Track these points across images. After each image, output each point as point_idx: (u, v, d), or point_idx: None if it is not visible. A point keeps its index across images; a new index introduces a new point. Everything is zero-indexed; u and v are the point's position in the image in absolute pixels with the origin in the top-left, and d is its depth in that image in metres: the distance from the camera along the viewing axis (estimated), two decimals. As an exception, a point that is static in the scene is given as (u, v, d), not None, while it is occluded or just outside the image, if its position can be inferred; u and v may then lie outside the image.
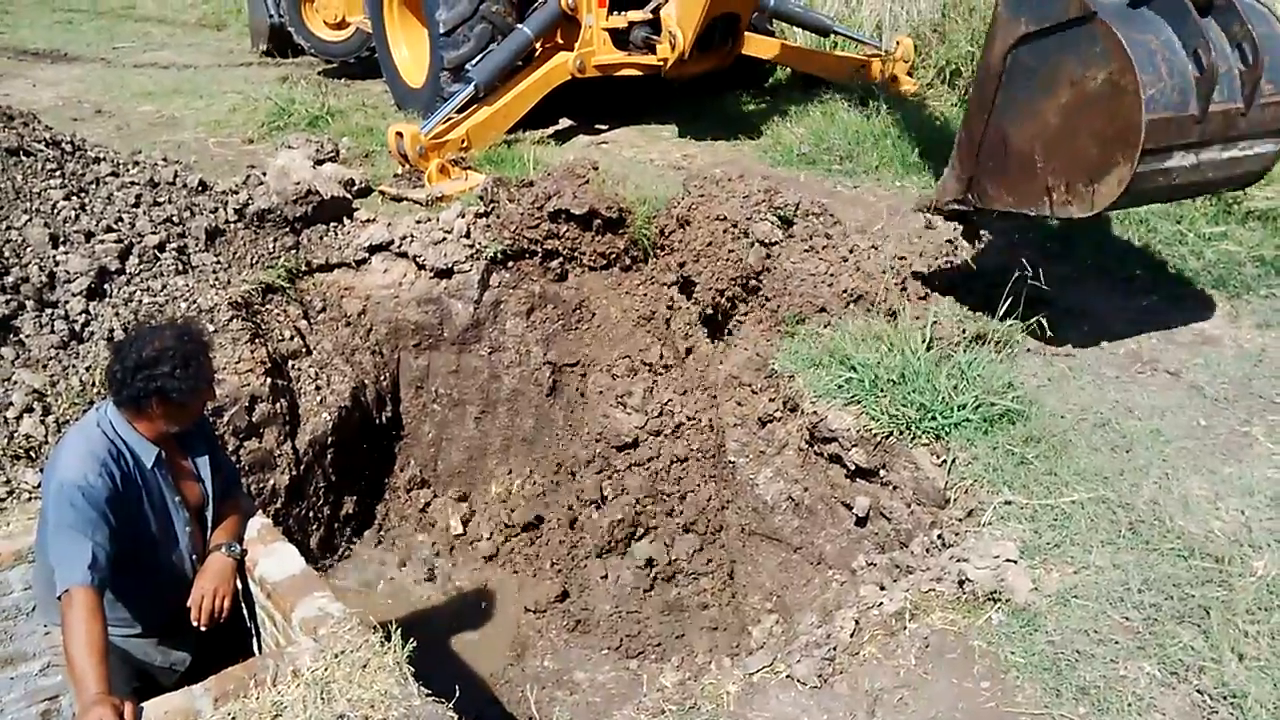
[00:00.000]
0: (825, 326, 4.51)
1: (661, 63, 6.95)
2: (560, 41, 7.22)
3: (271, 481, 4.56)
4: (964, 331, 4.15)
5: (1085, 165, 3.57)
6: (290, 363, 4.83)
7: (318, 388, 4.88)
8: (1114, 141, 3.46)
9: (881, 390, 3.84)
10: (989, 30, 3.96)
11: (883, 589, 3.21)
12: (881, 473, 3.77)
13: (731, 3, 6.57)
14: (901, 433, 3.70)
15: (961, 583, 2.96)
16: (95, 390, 3.89)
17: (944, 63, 7.57)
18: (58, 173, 4.63)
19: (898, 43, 7.71)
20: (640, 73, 7.20)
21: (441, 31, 6.95)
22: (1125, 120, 3.41)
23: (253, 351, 4.49)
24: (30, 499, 3.49)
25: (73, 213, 4.49)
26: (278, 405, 4.55)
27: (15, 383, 3.80)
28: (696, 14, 6.49)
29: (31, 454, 3.67)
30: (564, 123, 7.60)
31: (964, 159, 4.13)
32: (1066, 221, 4.11)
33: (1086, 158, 3.56)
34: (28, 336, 3.96)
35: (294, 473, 4.67)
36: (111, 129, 7.63)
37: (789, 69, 8.33)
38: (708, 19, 6.54)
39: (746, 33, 7.48)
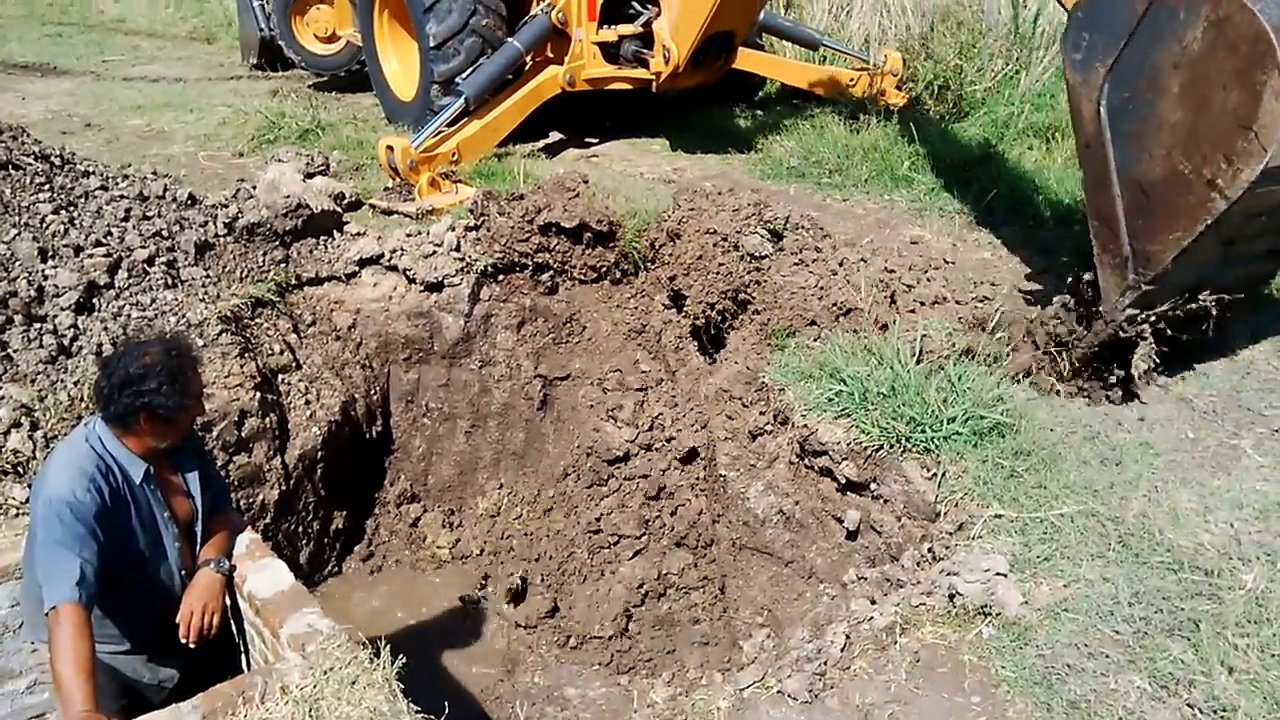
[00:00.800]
0: (815, 339, 4.52)
1: (654, 76, 6.98)
2: (550, 55, 7.24)
3: (261, 497, 4.54)
4: (953, 345, 4.16)
5: (1234, 118, 3.25)
6: (280, 377, 4.82)
7: (307, 402, 4.87)
8: (1249, 68, 3.20)
9: (872, 403, 3.85)
10: (1071, 108, 3.86)
11: (873, 603, 3.21)
12: (872, 486, 3.78)
13: (729, 20, 6.59)
14: (892, 446, 3.70)
15: (952, 597, 2.96)
16: (84, 405, 3.88)
17: (931, 76, 7.61)
18: (46, 186, 4.62)
19: (886, 57, 7.75)
20: (631, 86, 7.23)
21: (432, 45, 6.97)
22: (1249, 42, 3.19)
23: (242, 366, 4.47)
24: (18, 515, 3.47)
25: (62, 227, 4.48)
26: (267, 420, 4.54)
27: (3, 398, 3.78)
28: (694, 30, 6.51)
29: (19, 469, 3.64)
30: (554, 136, 7.62)
31: (1110, 245, 3.74)
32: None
33: (1230, 110, 3.26)
34: (16, 351, 3.94)
35: (283, 488, 4.65)
36: (101, 142, 7.62)
37: (778, 83, 8.36)
38: (705, 35, 6.56)
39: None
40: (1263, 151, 3.20)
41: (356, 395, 5.23)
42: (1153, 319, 3.78)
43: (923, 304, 4.69)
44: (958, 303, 4.68)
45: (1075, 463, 3.50)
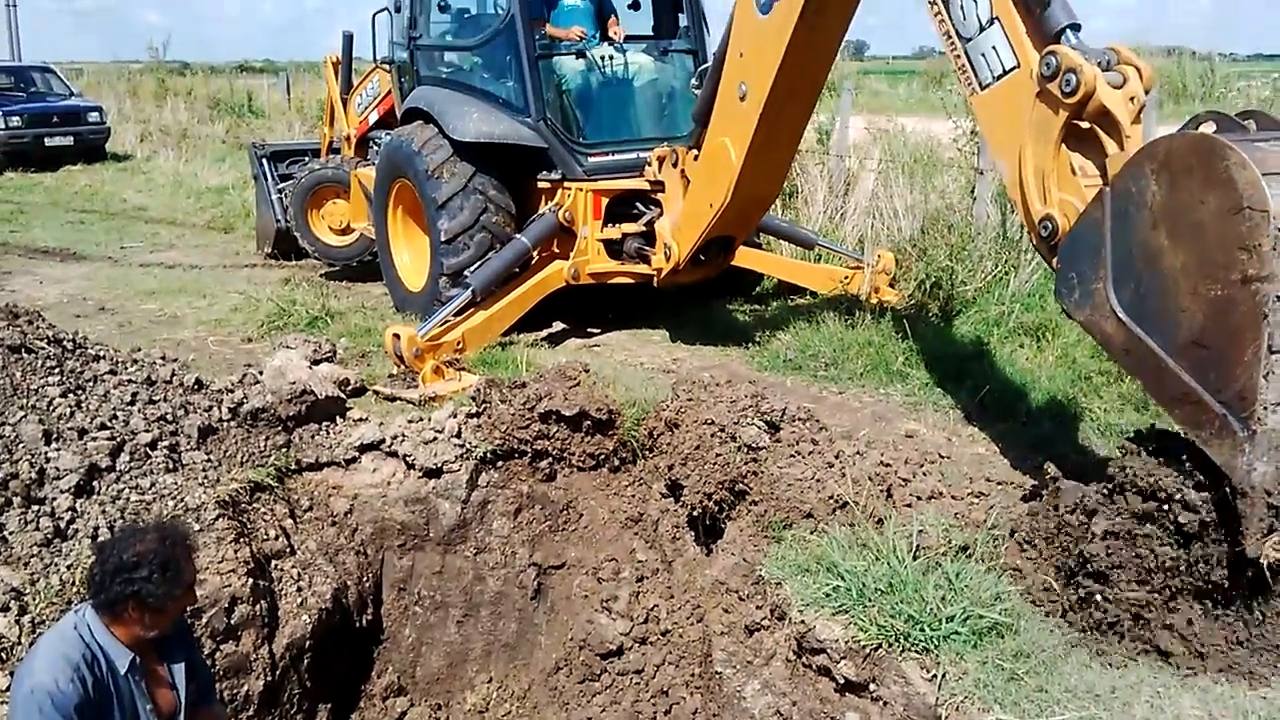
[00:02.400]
0: (812, 532, 4.51)
1: (655, 272, 7.23)
2: (556, 250, 7.53)
3: (245, 687, 4.42)
4: (950, 541, 4.16)
5: (1226, 213, 3.23)
6: (273, 563, 4.78)
7: (299, 589, 4.81)
8: (1208, 170, 3.26)
9: (869, 600, 3.81)
10: (1097, 339, 3.83)
11: (874, 813, 3.09)
12: (871, 687, 3.69)
13: (729, 227, 6.88)
14: (890, 644, 3.64)
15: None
16: (74, 590, 3.84)
17: (924, 276, 7.87)
18: (57, 370, 4.73)
19: (879, 256, 8.04)
20: (633, 281, 7.48)
21: (443, 239, 7.25)
22: (1195, 154, 3.30)
23: (236, 551, 4.45)
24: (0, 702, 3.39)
25: (68, 409, 4.56)
26: (258, 607, 4.47)
27: (-6, 581, 3.76)
28: (696, 233, 6.79)
29: (3, 655, 3.58)
30: (557, 325, 7.81)
31: (1202, 419, 3.38)
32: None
33: (1220, 212, 3.25)
34: (11, 533, 3.94)
35: (269, 678, 4.54)
36: (114, 326, 7.81)
37: (775, 279, 8.64)
38: (706, 239, 6.84)
39: (735, 245, 7.81)
40: (1266, 214, 3.13)
41: (349, 582, 5.17)
42: None
43: (919, 498, 4.70)
44: (954, 498, 4.70)
45: (1077, 665, 3.44)
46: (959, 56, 4.49)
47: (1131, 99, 3.90)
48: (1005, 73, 4.27)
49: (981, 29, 4.34)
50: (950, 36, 4.51)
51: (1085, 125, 4.04)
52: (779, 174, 6.58)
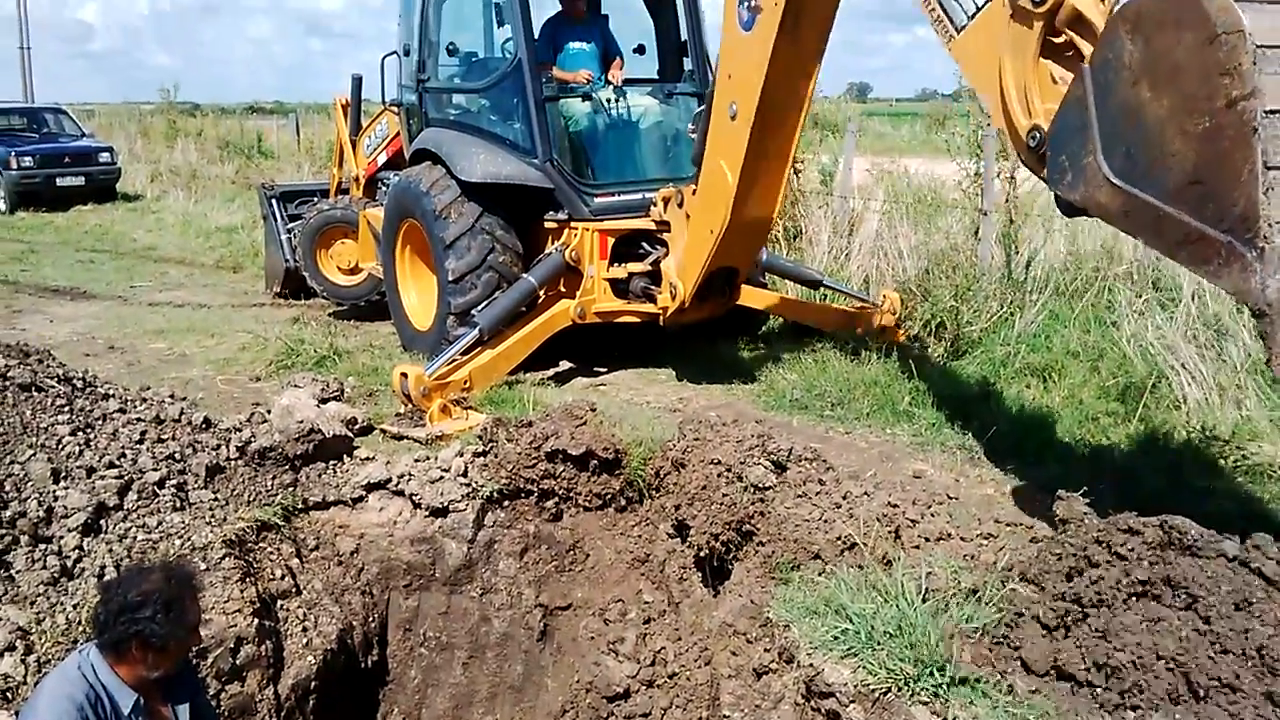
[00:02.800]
0: (820, 574, 4.49)
1: (661, 311, 7.26)
2: (563, 289, 7.57)
3: (249, 729, 4.40)
4: (959, 584, 4.13)
5: (1201, 45, 3.20)
6: (279, 602, 4.77)
7: (304, 629, 4.79)
8: (1180, 10, 3.27)
9: (878, 643, 3.78)
10: (1098, 212, 3.75)
11: None
12: (881, 731, 3.66)
13: (731, 258, 6.91)
14: (900, 688, 3.61)
15: None
16: (81, 629, 3.83)
17: (929, 316, 7.88)
18: (66, 408, 4.75)
19: (884, 296, 8.07)
20: (639, 320, 7.50)
21: (450, 279, 7.30)
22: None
23: (242, 591, 4.44)
24: (0, 745, 3.37)
25: (77, 448, 4.57)
26: (263, 647, 4.45)
27: (1, 620, 3.74)
28: (698, 267, 6.83)
29: (8, 695, 3.56)
30: (564, 364, 7.82)
31: (1215, 255, 3.29)
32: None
33: (1196, 46, 3.23)
34: (18, 572, 3.94)
35: None
36: (123, 365, 7.84)
37: (781, 318, 8.66)
38: (708, 273, 6.87)
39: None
40: (1241, 34, 3.12)
41: (355, 623, 5.15)
42: None
43: (927, 539, 4.67)
44: (963, 539, 4.67)
45: (1087, 713, 3.40)
46: (934, 10, 4.52)
47: (1103, 0, 3.88)
48: (979, 10, 4.30)
49: None
50: None
51: (1061, 40, 4.04)
52: (773, 194, 6.63)
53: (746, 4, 5.76)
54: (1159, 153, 3.46)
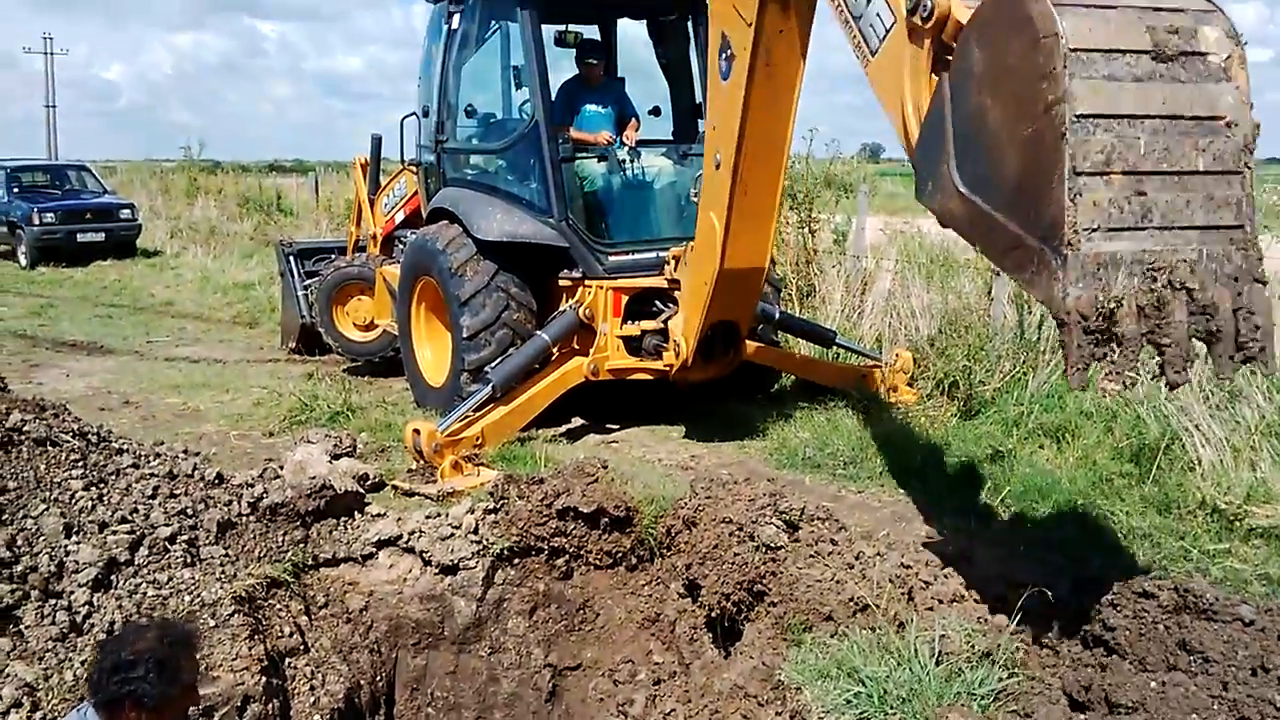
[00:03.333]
0: (833, 635, 4.44)
1: (667, 368, 7.28)
2: (576, 346, 7.60)
3: (255, 789, 4.35)
4: (973, 647, 4.08)
5: (1028, 43, 3.23)
6: (287, 660, 4.74)
7: (312, 688, 4.75)
8: (1001, 12, 3.36)
9: (891, 707, 3.73)
10: (953, 225, 3.73)
11: None
12: (894, 798, 3.60)
13: (728, 312, 6.95)
14: (913, 753, 3.56)
15: None
16: (87, 685, 3.81)
17: (942, 375, 7.88)
18: (80, 463, 4.77)
19: (897, 355, 8.07)
20: (651, 377, 7.52)
21: (465, 336, 7.35)
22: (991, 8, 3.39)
23: (250, 649, 4.42)
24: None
25: (90, 503, 4.59)
26: (269, 706, 4.42)
27: (8, 675, 3.74)
28: (697, 318, 6.87)
29: (11, 753, 3.55)
30: (576, 421, 7.83)
31: (1027, 261, 3.31)
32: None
33: (1022, 50, 3.26)
34: (28, 627, 3.94)
35: (279, 780, 4.46)
36: (137, 419, 7.88)
37: (793, 376, 8.67)
38: (706, 328, 6.91)
39: (754, 342, 7.86)
40: (1057, 37, 3.12)
41: (363, 681, 5.11)
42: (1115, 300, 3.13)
43: (941, 601, 4.63)
44: (976, 601, 4.63)
45: (1106, 778, 3.34)
46: (854, 36, 4.52)
47: None
48: (888, 32, 4.29)
49: (868, 2, 4.35)
50: (848, 23, 4.52)
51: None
52: (762, 244, 6.67)
53: (724, 54, 5.87)
54: (995, 160, 3.45)
